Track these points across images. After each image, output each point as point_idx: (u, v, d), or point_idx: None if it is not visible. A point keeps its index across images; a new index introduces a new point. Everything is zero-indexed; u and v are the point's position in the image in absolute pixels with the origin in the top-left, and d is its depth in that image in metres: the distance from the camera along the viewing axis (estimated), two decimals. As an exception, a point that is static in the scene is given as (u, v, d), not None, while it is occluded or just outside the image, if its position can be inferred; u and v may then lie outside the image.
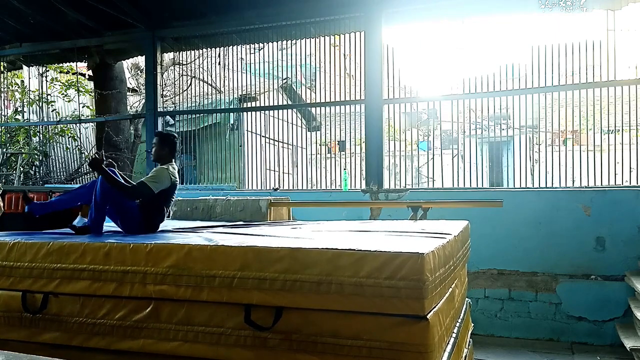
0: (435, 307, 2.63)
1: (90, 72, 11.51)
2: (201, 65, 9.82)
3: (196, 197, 6.21)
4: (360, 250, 2.60)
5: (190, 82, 9.94)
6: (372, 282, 2.51)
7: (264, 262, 2.73)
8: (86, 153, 11.59)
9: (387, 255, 2.53)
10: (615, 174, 6.86)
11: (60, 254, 3.19)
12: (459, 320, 3.64)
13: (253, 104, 9.57)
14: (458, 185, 7.70)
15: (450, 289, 3.19)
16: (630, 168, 6.92)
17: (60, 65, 11.51)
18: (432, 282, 2.53)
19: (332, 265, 2.59)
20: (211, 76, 9.70)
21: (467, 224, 4.46)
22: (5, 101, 11.71)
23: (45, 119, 10.91)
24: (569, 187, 6.98)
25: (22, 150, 11.05)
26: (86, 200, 4.23)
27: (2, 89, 11.14)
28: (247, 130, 9.43)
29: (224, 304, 2.79)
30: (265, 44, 9.01)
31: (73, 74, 11.60)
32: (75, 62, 10.66)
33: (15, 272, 3.29)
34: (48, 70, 11.04)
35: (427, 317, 2.48)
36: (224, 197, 5.86)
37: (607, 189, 6.72)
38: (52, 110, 11.03)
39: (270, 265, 2.71)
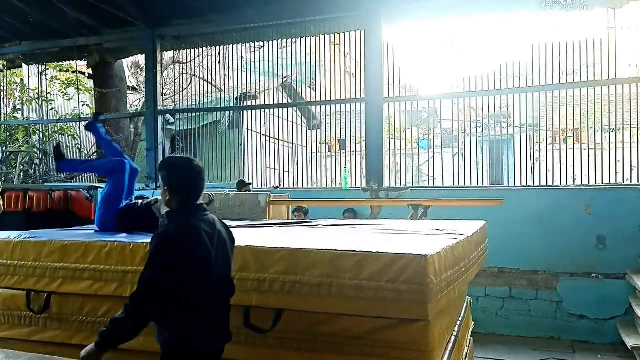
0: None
1: (90, 71, 11.48)
2: (201, 64, 9.80)
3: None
4: (362, 251, 2.56)
5: (191, 81, 9.91)
6: (373, 285, 2.45)
7: (263, 263, 2.70)
8: (85, 152, 11.56)
9: (389, 257, 2.47)
10: (616, 173, 6.84)
11: (62, 253, 3.19)
12: (460, 319, 3.63)
13: (253, 103, 9.56)
14: (459, 183, 7.69)
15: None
16: (631, 166, 6.91)
17: (60, 63, 11.50)
18: (436, 285, 2.45)
19: (333, 267, 2.55)
20: (211, 75, 9.67)
21: (484, 224, 4.34)
22: (5, 99, 11.69)
23: (45, 118, 10.90)
24: (569, 186, 6.97)
25: (22, 149, 11.03)
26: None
27: (2, 88, 11.13)
28: (247, 129, 9.42)
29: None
30: (265, 42, 8.99)
31: (73, 72, 11.58)
32: (75, 61, 10.65)
33: (20, 270, 3.29)
34: (47, 69, 11.02)
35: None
36: (223, 192, 5.85)
37: (608, 187, 6.71)
38: (51, 109, 11.02)
39: (269, 266, 2.68)
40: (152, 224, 3.52)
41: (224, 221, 2.70)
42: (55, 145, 4.34)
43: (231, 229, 2.69)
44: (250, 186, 7.59)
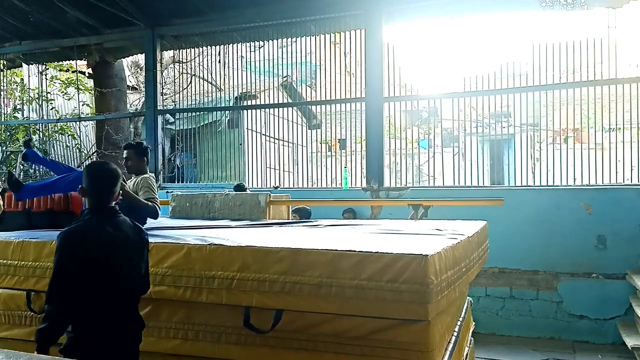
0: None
1: (90, 70, 11.49)
2: (201, 63, 9.79)
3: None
4: (362, 251, 2.55)
5: (191, 80, 9.91)
6: (373, 285, 2.44)
7: (264, 263, 2.70)
8: (85, 151, 11.56)
9: (389, 257, 2.46)
10: (616, 173, 6.84)
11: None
12: (461, 319, 3.62)
13: (253, 102, 9.56)
14: (459, 183, 7.68)
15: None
16: (631, 166, 6.90)
17: (60, 63, 11.50)
18: (437, 285, 2.44)
19: (333, 267, 2.54)
20: (211, 74, 9.67)
21: (485, 224, 4.34)
22: (5, 99, 11.68)
23: (45, 117, 10.90)
24: (570, 186, 6.96)
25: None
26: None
27: (2, 87, 11.12)
28: (247, 129, 9.41)
29: (224, 305, 2.77)
30: (265, 41, 8.99)
31: (73, 72, 11.58)
32: (75, 60, 10.65)
33: (20, 271, 3.29)
34: (48, 68, 11.02)
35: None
36: (223, 192, 5.84)
37: (608, 187, 6.70)
38: (52, 109, 11.02)
39: (269, 266, 2.68)
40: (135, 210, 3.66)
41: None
42: (7, 176, 4.16)
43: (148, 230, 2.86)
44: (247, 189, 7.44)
